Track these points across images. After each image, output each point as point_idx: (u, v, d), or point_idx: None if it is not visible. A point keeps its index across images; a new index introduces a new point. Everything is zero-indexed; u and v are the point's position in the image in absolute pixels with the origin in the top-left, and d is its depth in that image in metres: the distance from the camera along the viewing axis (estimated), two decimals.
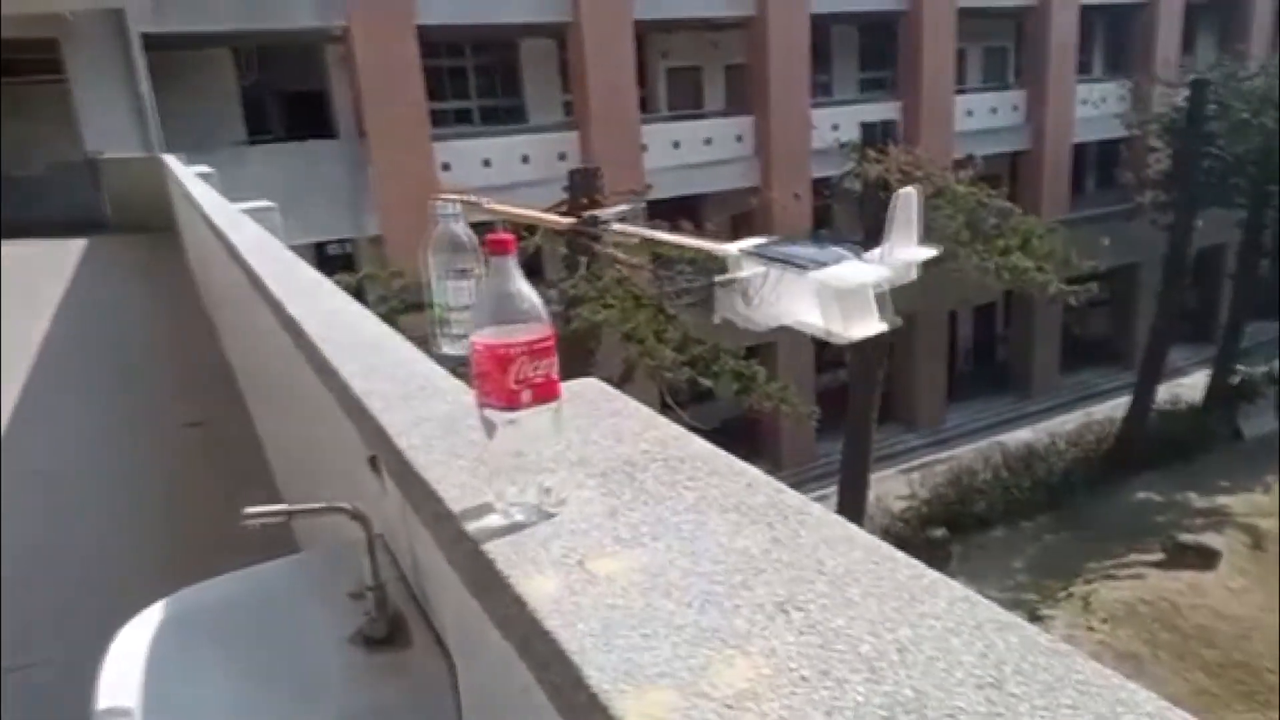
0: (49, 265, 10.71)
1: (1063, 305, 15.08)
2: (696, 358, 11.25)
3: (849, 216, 15.07)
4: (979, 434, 20.33)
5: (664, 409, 13.26)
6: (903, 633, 0.70)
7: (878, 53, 21.45)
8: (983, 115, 21.44)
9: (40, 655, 2.77)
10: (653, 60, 19.46)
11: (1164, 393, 19.46)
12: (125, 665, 1.25)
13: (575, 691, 0.68)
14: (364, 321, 1.92)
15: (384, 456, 1.29)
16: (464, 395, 1.37)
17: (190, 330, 7.07)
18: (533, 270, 13.69)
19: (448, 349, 1.14)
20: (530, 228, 11.61)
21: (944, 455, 19.24)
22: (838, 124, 17.77)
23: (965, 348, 23.33)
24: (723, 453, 1.07)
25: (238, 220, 4.10)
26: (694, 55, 20.01)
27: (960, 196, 12.75)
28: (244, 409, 4.99)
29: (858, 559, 0.81)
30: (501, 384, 0.88)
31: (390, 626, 1.26)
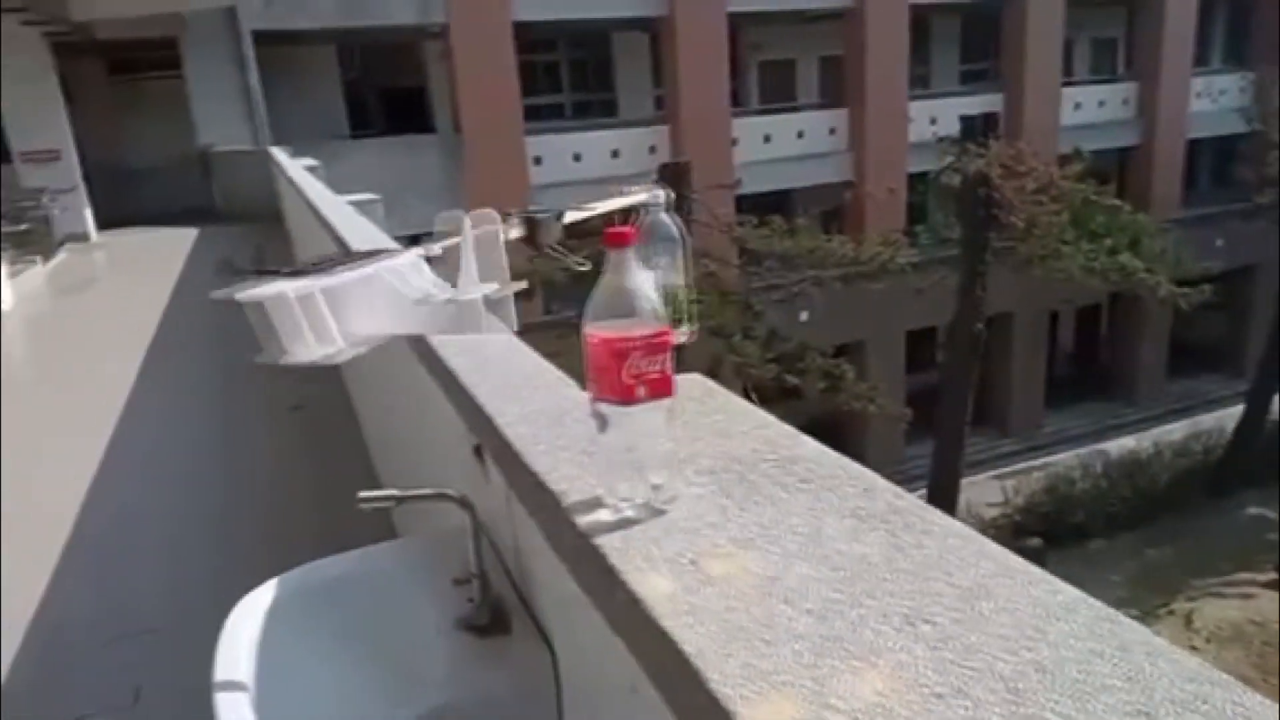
0: (165, 252, 11.26)
1: (1172, 308, 14.38)
2: (783, 355, 11.11)
3: (945, 213, 14.65)
4: (1078, 441, 19.55)
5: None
6: (1042, 652, 0.66)
7: (980, 43, 20.77)
8: (1090, 109, 20.56)
9: (152, 623, 2.91)
10: (745, 53, 19.29)
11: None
12: (240, 640, 1.30)
13: (694, 693, 0.67)
14: None
15: (490, 446, 1.30)
16: (568, 388, 1.38)
17: None
18: None
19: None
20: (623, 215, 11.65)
21: (1040, 462, 18.57)
22: (936, 117, 17.32)
23: (1066, 350, 22.46)
24: (835, 454, 1.04)
25: (346, 212, 4.22)
26: (788, 48, 19.75)
27: (1066, 193, 12.25)
28: (343, 394, 5.14)
29: (987, 571, 0.77)
30: (616, 378, 0.88)
31: (492, 614, 1.28)
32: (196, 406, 5.55)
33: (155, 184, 16.40)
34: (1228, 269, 18.45)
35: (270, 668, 1.26)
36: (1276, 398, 17.88)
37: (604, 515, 0.92)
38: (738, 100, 18.60)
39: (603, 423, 0.91)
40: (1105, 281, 12.82)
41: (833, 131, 18.74)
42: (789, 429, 1.13)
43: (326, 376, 5.60)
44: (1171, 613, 14.02)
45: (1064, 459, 18.47)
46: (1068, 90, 20.20)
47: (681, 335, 1.14)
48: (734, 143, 17.58)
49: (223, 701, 1.16)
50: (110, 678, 2.65)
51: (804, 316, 13.85)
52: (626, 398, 0.88)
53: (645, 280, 0.90)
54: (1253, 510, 16.88)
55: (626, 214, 1.13)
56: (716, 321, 10.71)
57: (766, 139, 18.19)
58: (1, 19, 10.88)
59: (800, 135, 18.54)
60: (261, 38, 15.13)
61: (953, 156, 12.91)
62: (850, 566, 0.79)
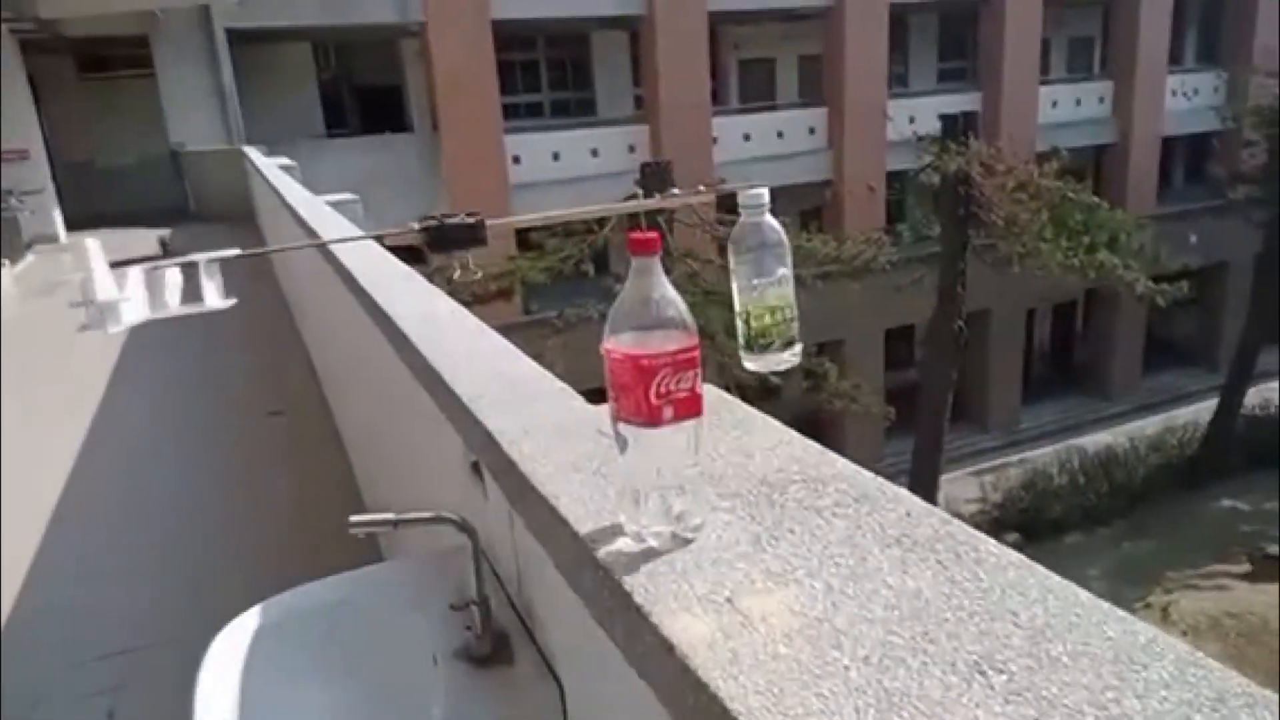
0: (136, 253, 11.01)
1: (1147, 304, 14.50)
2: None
3: (924, 211, 14.67)
4: (1055, 436, 19.70)
5: None
6: (1129, 704, 0.59)
7: (958, 42, 20.85)
8: (1067, 107, 20.70)
9: (126, 644, 2.79)
10: (725, 52, 19.24)
11: (1253, 397, 18.56)
12: (220, 674, 1.21)
13: None
14: (462, 319, 1.86)
15: (489, 464, 1.22)
16: (572, 400, 1.30)
17: (270, 319, 7.19)
18: (602, 265, 13.65)
19: (753, 364, 1.05)
20: (600, 221, 11.57)
21: (1018, 457, 18.69)
22: (914, 116, 17.36)
23: (1043, 347, 22.62)
24: (870, 474, 0.97)
25: (324, 214, 4.12)
26: (768, 47, 19.73)
27: (1044, 191, 12.29)
28: (322, 399, 5.03)
29: (1055, 609, 0.70)
30: (642, 398, 0.80)
31: (494, 643, 1.20)
32: (172, 412, 5.41)
33: (126, 184, 16.11)
34: (1202, 265, 18.63)
35: (253, 703, 1.17)
36: (1249, 392, 18.09)
37: (626, 545, 0.85)
38: (717, 99, 18.56)
39: (625, 445, 0.84)
40: (1083, 278, 12.89)
41: (812, 130, 18.75)
42: (815, 445, 1.06)
43: (304, 382, 5.49)
44: (1149, 606, 14.13)
45: (1041, 454, 18.60)
46: (1045, 89, 20.32)
47: (792, 357, 1.06)
48: (714, 141, 17.54)
49: None
50: (82, 701, 2.54)
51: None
52: (653, 419, 0.81)
53: (672, 290, 0.83)
54: (1226, 502, 17.07)
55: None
56: (699, 321, 10.64)
57: (746, 138, 18.17)
58: None
59: (780, 134, 18.53)
60: (235, 36, 14.90)
61: (932, 155, 12.92)
62: (904, 605, 0.72)
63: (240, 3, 14.43)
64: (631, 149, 17.05)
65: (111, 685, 2.59)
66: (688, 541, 0.85)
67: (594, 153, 17.14)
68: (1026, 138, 17.37)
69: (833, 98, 18.52)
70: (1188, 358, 22.67)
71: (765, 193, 1.02)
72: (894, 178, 18.16)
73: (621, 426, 0.83)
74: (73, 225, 13.52)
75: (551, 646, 1.15)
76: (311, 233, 3.48)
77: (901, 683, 0.63)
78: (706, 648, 0.68)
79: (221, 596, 1.59)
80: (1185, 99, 21.74)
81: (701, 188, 1.07)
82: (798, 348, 1.06)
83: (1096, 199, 13.04)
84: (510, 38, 16.82)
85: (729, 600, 0.75)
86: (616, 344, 0.81)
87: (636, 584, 0.78)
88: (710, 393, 1.24)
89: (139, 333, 7.28)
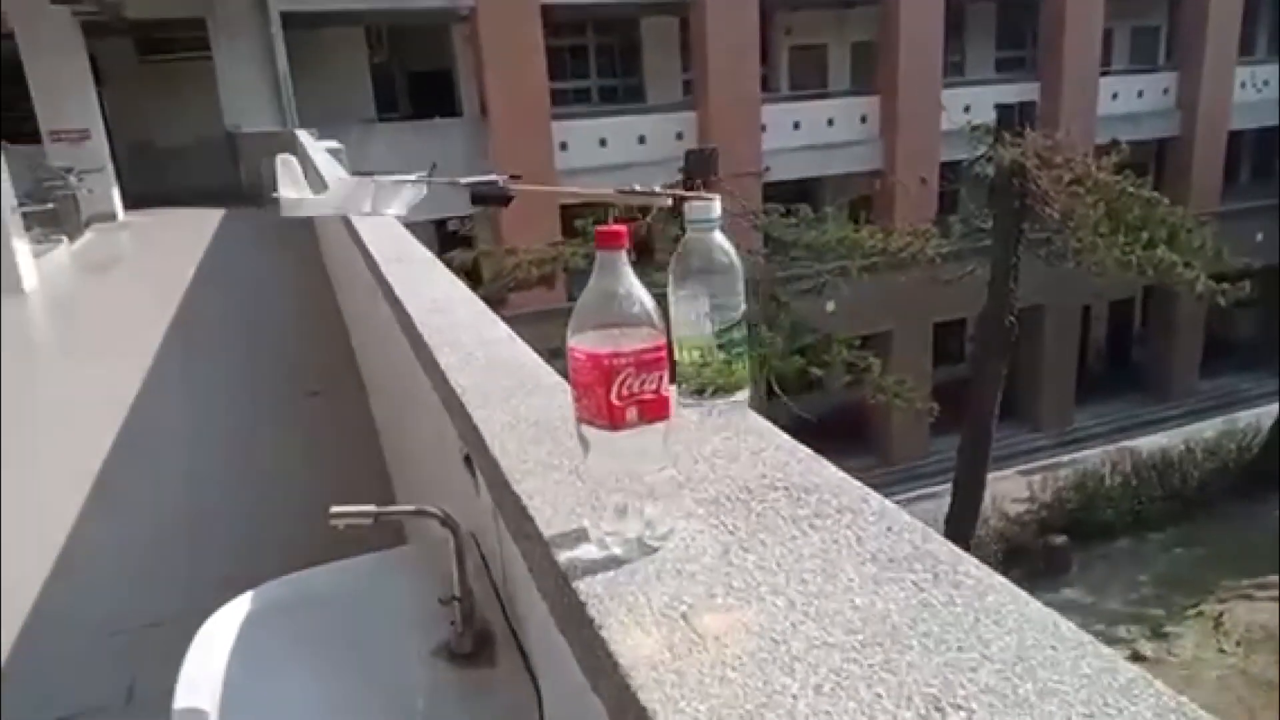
0: (191, 233, 11.28)
1: (1208, 304, 14.01)
2: (807, 346, 10.93)
3: (977, 203, 14.35)
4: (1108, 437, 19.21)
5: (769, 396, 13.01)
6: None
7: (1016, 31, 20.33)
8: (1129, 98, 20.08)
9: (153, 617, 2.84)
10: (776, 38, 19.00)
11: None
12: (206, 662, 1.21)
13: None
14: (470, 307, 1.84)
15: (477, 457, 1.19)
16: (564, 394, 1.26)
17: (315, 299, 7.28)
18: (644, 252, 13.60)
19: (688, 401, 0.97)
20: (644, 209, 11.52)
21: (1068, 458, 18.27)
22: (970, 105, 16.96)
23: (1098, 345, 22.05)
24: (857, 484, 0.92)
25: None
26: (819, 33, 19.44)
27: (1102, 185, 11.93)
28: (359, 381, 5.08)
29: (1031, 640, 0.65)
30: (603, 399, 0.76)
31: (476, 641, 1.17)
32: (213, 389, 5.51)
33: (183, 164, 16.47)
34: (1267, 265, 17.98)
35: (236, 693, 1.16)
36: None
37: (588, 552, 0.81)
38: (767, 86, 18.34)
39: (588, 447, 0.80)
40: (1141, 275, 12.49)
41: (864, 119, 18.44)
42: (805, 450, 1.01)
43: (343, 361, 5.55)
44: (1201, 614, 13.74)
45: (1093, 455, 18.16)
46: (1106, 79, 19.73)
47: (728, 406, 0.97)
48: (763, 129, 17.35)
49: None
50: (105, 673, 2.59)
51: (830, 307, 13.63)
52: (615, 422, 0.77)
53: (639, 286, 0.79)
54: None
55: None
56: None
57: (796, 126, 17.94)
58: None
59: (830, 123, 18.25)
60: (290, 19, 15.09)
61: (986, 146, 12.62)
62: (869, 628, 0.67)
63: None
64: (679, 136, 16.93)
65: (136, 658, 2.64)
66: (654, 549, 0.81)
67: (641, 139, 17.07)
68: (1086, 130, 16.89)
69: (886, 86, 18.19)
70: (1249, 360, 21.92)
71: (716, 206, 0.92)
72: (947, 168, 17.79)
73: (584, 429, 0.80)
74: (132, 204, 13.87)
75: (532, 649, 1.13)
76: (349, 219, 3.49)
77: (850, 716, 0.58)
78: (651, 668, 0.65)
79: (250, 569, 1.59)
80: (1255, 91, 20.94)
81: (658, 187, 1.00)
82: (741, 394, 0.97)
83: (1156, 194, 12.63)
84: (559, 23, 16.80)
85: (685, 616, 0.71)
86: (578, 343, 0.78)
87: (592, 593, 0.75)
88: None
89: (189, 306, 7.45)
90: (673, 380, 0.80)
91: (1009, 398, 16.26)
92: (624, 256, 0.79)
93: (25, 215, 9.34)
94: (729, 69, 16.84)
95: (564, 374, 1.13)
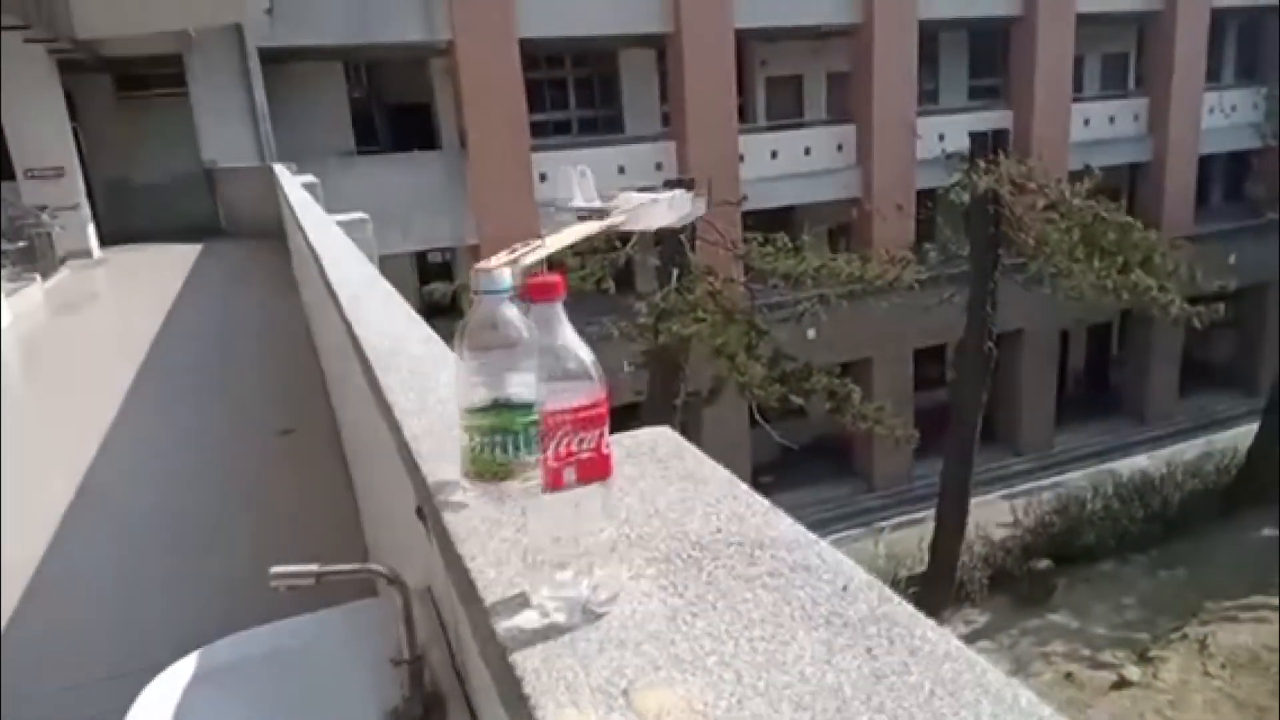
0: (166, 269, 11.18)
1: (1184, 327, 14.17)
2: (788, 374, 10.93)
3: (954, 230, 14.49)
4: (1089, 460, 19.30)
5: (753, 425, 12.98)
6: None
7: (989, 59, 20.66)
8: (1100, 125, 20.41)
9: (114, 669, 2.75)
10: (752, 69, 19.21)
11: None
12: None
13: None
14: (429, 347, 1.80)
15: (428, 510, 1.15)
16: None
17: (289, 335, 7.21)
18: (624, 282, 13.61)
19: (467, 486, 0.87)
20: (624, 237, 11.55)
21: (1050, 481, 18.32)
22: (944, 133, 17.19)
23: (1077, 368, 22.22)
24: (814, 539, 0.88)
25: (328, 231, 4.10)
26: (795, 64, 19.67)
27: (1076, 210, 12.06)
28: (332, 419, 5.00)
29: (989, 714, 0.61)
30: (539, 459, 0.72)
31: (427, 705, 1.12)
32: (182, 429, 5.41)
33: (160, 200, 16.37)
34: (1241, 286, 18.22)
35: None
36: None
37: (528, 620, 0.77)
38: (744, 116, 18.51)
39: (524, 508, 0.76)
40: (1116, 299, 12.61)
41: (840, 148, 18.64)
42: (762, 503, 0.97)
43: (317, 399, 5.47)
44: (1185, 637, 13.72)
45: (1075, 478, 18.22)
46: (1078, 106, 20.05)
47: (513, 485, 0.88)
48: (740, 159, 17.48)
49: None
50: None
51: (811, 334, 13.68)
52: (553, 484, 0.73)
53: (578, 339, 0.75)
54: (1267, 531, 16.57)
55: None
56: (720, 341, 10.56)
57: (773, 155, 18.10)
58: (4, 37, 10.86)
59: (807, 151, 18.43)
60: (268, 55, 15.12)
61: (961, 173, 12.76)
62: (818, 703, 0.63)
63: (273, 23, 14.66)
64: (659, 166, 17.03)
65: (94, 714, 2.55)
66: (598, 616, 0.77)
67: (621, 170, 17.14)
68: (1059, 156, 17.13)
69: (861, 115, 18.40)
70: (1226, 381, 22.16)
71: (506, 277, 0.84)
72: (924, 196, 17.98)
73: None
74: (108, 240, 13.75)
75: (483, 716, 1.08)
76: (315, 253, 3.45)
77: None
78: None
79: (216, 620, 1.53)
80: (1223, 116, 21.34)
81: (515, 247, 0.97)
82: (529, 481, 0.86)
83: (1130, 218, 12.78)
84: (538, 56, 16.93)
85: (625, 693, 0.67)
86: None
87: (529, 667, 0.71)
88: (665, 438, 1.16)
89: (161, 343, 7.34)
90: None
91: (990, 422, 16.33)
92: (560, 308, 0.75)
93: None
94: (707, 100, 17.00)
95: None
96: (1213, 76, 21.69)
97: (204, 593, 3.19)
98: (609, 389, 0.75)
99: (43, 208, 11.84)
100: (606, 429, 0.75)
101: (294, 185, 7.66)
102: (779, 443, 12.62)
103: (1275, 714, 12.02)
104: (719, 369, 11.05)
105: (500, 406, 0.83)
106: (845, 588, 0.79)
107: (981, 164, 12.46)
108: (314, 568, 1.08)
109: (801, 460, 16.75)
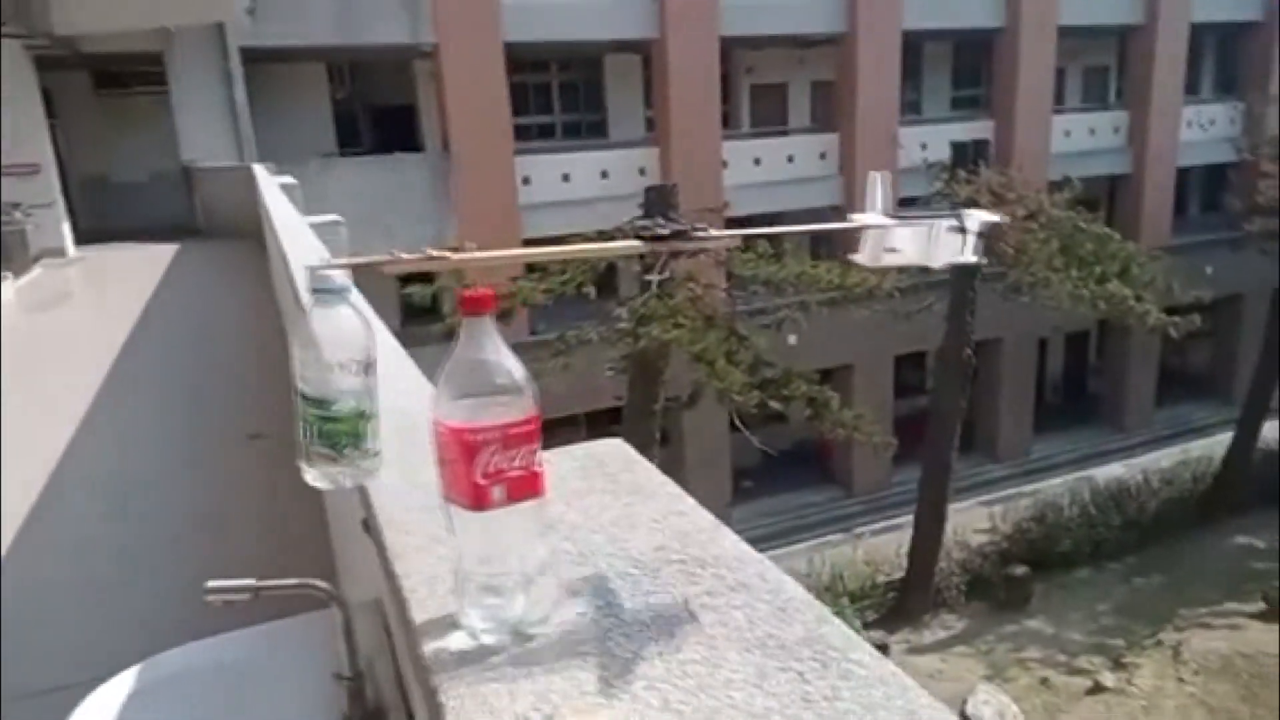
0: (142, 268, 11.07)
1: (1161, 336, 14.33)
2: (767, 381, 10.95)
3: None
4: (1066, 468, 19.46)
5: (734, 430, 12.97)
6: None
7: (971, 70, 20.82)
8: (1081, 136, 20.60)
9: (65, 679, 2.70)
10: (737, 76, 19.27)
11: (1269, 431, 18.27)
12: None
13: None
14: (390, 356, 1.77)
15: (371, 524, 1.13)
16: None
17: (263, 336, 7.14)
18: (606, 286, 13.59)
19: (319, 479, 0.86)
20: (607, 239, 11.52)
21: (1028, 489, 18.44)
22: (926, 143, 17.29)
23: (1055, 377, 22.40)
24: (757, 556, 0.87)
25: (297, 233, 4.06)
26: (780, 72, 19.75)
27: (1055, 220, 12.16)
28: None
29: None
30: (465, 477, 0.70)
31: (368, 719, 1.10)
32: (150, 433, 5.34)
33: (138, 199, 16.22)
34: (1216, 297, 18.44)
35: None
36: (1265, 425, 17.81)
37: (456, 642, 0.75)
38: (729, 123, 18.56)
39: (451, 526, 0.74)
40: (1094, 309, 12.73)
41: (823, 156, 18.71)
42: (708, 518, 0.96)
43: (289, 404, 5.41)
44: (1159, 644, 13.85)
45: (1052, 486, 18.35)
46: (1059, 118, 20.24)
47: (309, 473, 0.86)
48: (724, 165, 17.51)
49: None
50: None
51: (792, 340, 13.71)
52: (479, 502, 0.71)
53: (509, 354, 0.74)
54: (1240, 539, 16.76)
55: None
56: (699, 347, 10.56)
57: (757, 162, 18.15)
58: None
59: (791, 159, 18.49)
60: (250, 54, 15.01)
61: (942, 182, 12.84)
62: None
63: (255, 22, 14.56)
64: (642, 171, 17.04)
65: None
66: (528, 638, 0.75)
67: (604, 174, 17.15)
68: (1039, 167, 17.28)
69: (844, 123, 18.49)
70: (1202, 390, 22.41)
71: (336, 269, 0.81)
72: (907, 204, 18.03)
73: (449, 506, 0.74)
74: (84, 239, 13.59)
75: None
76: (283, 255, 3.41)
77: None
78: None
79: (174, 629, 1.49)
80: (1201, 130, 21.60)
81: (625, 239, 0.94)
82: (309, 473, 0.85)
83: (1108, 229, 12.91)
84: (522, 59, 16.89)
85: (549, 718, 0.65)
86: (440, 415, 0.72)
87: (453, 691, 0.69)
88: (617, 452, 1.14)
89: (133, 344, 7.25)
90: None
91: (969, 430, 16.41)
92: (491, 322, 0.73)
93: None
94: (691, 106, 17.02)
95: None
96: (1192, 90, 21.96)
97: (161, 603, 3.13)
98: (539, 406, 0.73)
99: (16, 205, 11.68)
100: (538, 445, 0.73)
101: (270, 186, 7.59)
102: (759, 449, 12.64)
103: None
104: (698, 375, 11.06)
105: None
106: (783, 608, 0.77)
107: (962, 174, 12.55)
108: (251, 582, 1.05)
109: (782, 465, 16.78)
